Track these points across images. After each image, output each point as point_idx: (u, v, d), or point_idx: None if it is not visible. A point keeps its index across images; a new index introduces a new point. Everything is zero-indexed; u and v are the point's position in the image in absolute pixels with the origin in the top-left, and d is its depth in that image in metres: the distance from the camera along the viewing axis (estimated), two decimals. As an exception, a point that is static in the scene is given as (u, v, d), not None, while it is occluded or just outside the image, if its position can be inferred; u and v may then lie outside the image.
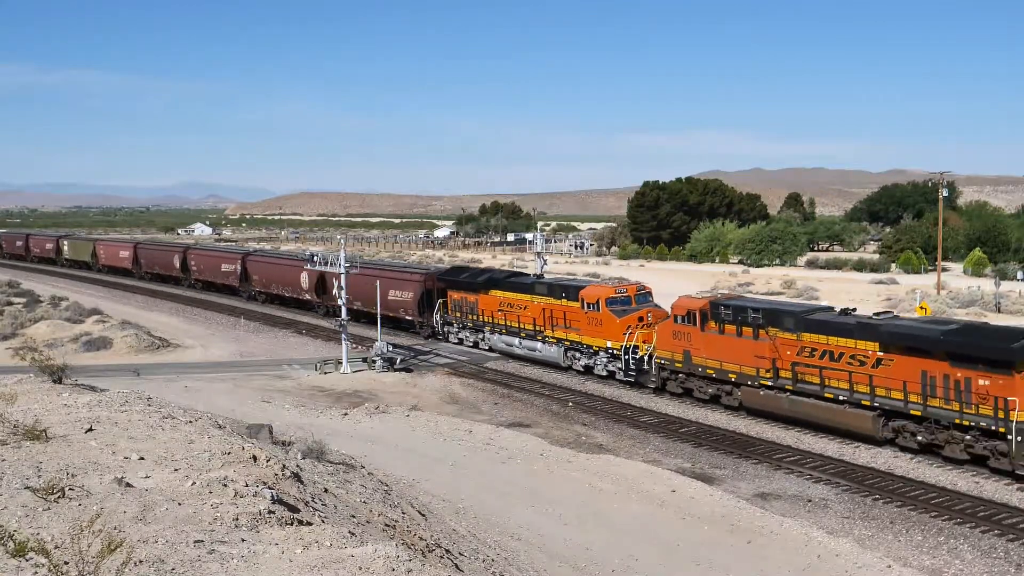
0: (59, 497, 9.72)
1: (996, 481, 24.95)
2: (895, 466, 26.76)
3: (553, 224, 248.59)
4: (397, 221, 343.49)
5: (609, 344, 38.13)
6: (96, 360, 43.10)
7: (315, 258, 47.41)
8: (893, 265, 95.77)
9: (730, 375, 32.99)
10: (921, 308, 46.93)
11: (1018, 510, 22.93)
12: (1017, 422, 24.29)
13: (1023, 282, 79.76)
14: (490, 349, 45.99)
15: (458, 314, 48.05)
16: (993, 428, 25.00)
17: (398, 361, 42.27)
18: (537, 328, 42.32)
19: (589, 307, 39.12)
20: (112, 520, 8.98)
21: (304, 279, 60.27)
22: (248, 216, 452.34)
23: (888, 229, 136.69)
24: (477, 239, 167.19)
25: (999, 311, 58.99)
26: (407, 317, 51.10)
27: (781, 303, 38.21)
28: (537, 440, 29.60)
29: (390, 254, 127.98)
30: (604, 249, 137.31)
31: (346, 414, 32.94)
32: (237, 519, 9.62)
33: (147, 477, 11.18)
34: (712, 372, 33.67)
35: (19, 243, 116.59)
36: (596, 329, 38.79)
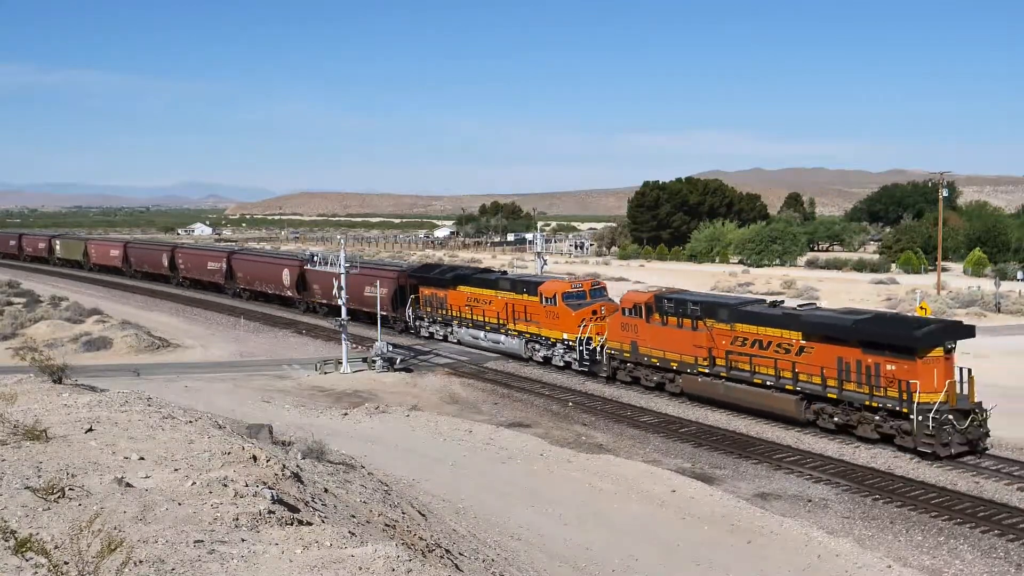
0: (59, 497, 9.72)
1: (996, 481, 24.98)
2: (895, 466, 26.76)
3: (553, 224, 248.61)
4: (397, 221, 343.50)
5: (565, 336, 40.57)
6: (96, 360, 43.09)
7: (315, 258, 47.62)
8: (893, 265, 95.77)
9: (672, 363, 35.05)
10: (921, 308, 46.86)
11: (1018, 510, 22.93)
12: (919, 403, 26.42)
13: (1023, 282, 79.78)
14: (458, 342, 48.01)
15: (429, 309, 50.19)
16: (898, 409, 27.18)
17: (398, 361, 42.30)
18: (501, 321, 44.59)
19: (547, 301, 41.51)
20: (112, 520, 8.98)
21: (286, 276, 62.76)
22: (248, 216, 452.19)
23: (888, 229, 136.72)
24: (477, 239, 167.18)
25: (999, 311, 59.01)
26: (382, 312, 52.12)
27: (717, 296, 40.43)
28: (537, 440, 29.59)
29: (390, 254, 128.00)
30: (604, 249, 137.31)
31: (346, 414, 32.93)
32: (237, 519, 9.62)
33: (147, 477, 11.17)
34: (656, 361, 35.80)
35: (12, 243, 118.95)
36: (553, 322, 41.22)
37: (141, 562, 8.09)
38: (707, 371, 33.45)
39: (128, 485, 10.60)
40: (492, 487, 23.57)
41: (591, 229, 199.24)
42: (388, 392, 37.80)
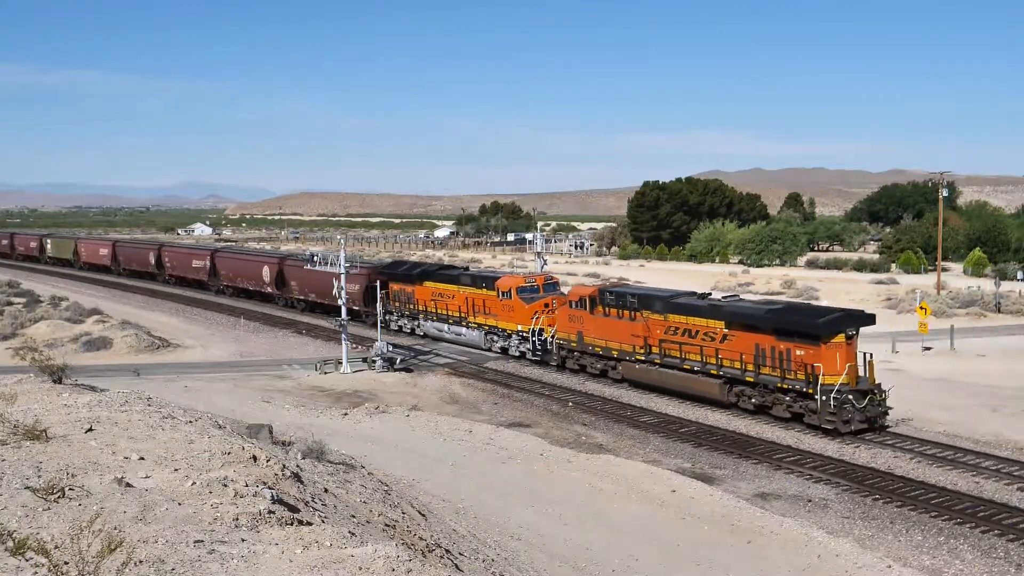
0: (59, 497, 9.71)
1: (996, 481, 24.99)
2: (895, 466, 26.76)
3: (553, 224, 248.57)
4: (397, 221, 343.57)
5: (519, 327, 43.24)
6: (96, 360, 43.09)
7: (315, 258, 47.74)
8: (893, 265, 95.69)
9: (613, 352, 37.68)
10: (921, 308, 46.87)
11: (1018, 510, 22.92)
12: (823, 384, 29.09)
13: (1023, 282, 79.75)
14: (424, 335, 50.31)
15: (397, 304, 52.49)
16: (806, 390, 29.83)
17: (398, 361, 42.31)
18: (462, 315, 47.24)
19: (503, 295, 44.12)
20: (112, 520, 8.98)
21: (266, 273, 65.10)
22: (248, 216, 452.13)
23: (888, 229, 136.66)
24: (477, 239, 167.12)
25: (999, 311, 59.00)
26: (354, 307, 53.40)
27: (653, 289, 42.45)
28: (537, 440, 29.58)
29: (390, 254, 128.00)
30: (604, 249, 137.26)
31: (346, 414, 32.92)
32: (237, 519, 9.62)
33: (147, 477, 11.17)
34: (599, 350, 38.44)
35: (4, 242, 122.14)
36: (509, 314, 43.84)
37: (141, 562, 8.08)
38: (643, 358, 36.02)
39: (128, 485, 10.59)
40: (492, 487, 23.56)
41: (591, 229, 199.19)
42: (388, 392, 37.80)
